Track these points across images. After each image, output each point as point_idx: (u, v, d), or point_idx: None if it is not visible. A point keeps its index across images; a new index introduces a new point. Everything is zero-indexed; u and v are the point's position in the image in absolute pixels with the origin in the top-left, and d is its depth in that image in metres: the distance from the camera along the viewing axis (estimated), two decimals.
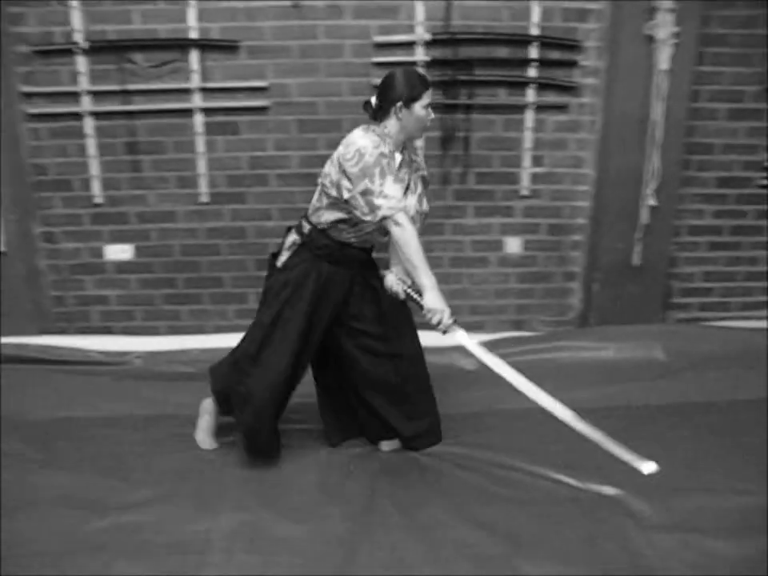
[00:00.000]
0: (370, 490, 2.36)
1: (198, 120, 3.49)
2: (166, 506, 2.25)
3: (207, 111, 3.50)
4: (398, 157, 2.30)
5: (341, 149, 2.22)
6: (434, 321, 2.13)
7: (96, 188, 3.60)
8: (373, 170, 2.12)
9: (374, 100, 2.32)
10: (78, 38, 3.38)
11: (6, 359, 3.40)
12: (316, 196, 2.38)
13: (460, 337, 2.22)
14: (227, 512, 2.21)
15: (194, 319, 3.79)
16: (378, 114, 2.30)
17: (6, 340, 3.52)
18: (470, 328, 3.58)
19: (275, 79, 3.45)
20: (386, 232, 2.27)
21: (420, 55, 3.39)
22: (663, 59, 3.26)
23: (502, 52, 3.46)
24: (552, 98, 3.53)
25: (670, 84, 3.31)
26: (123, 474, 2.47)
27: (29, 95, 3.47)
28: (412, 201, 2.31)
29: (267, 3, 3.37)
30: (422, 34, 3.38)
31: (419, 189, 2.41)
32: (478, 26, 3.42)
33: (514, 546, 2.04)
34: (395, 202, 2.11)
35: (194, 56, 3.41)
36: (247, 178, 3.58)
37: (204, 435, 2.68)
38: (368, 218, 2.17)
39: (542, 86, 3.49)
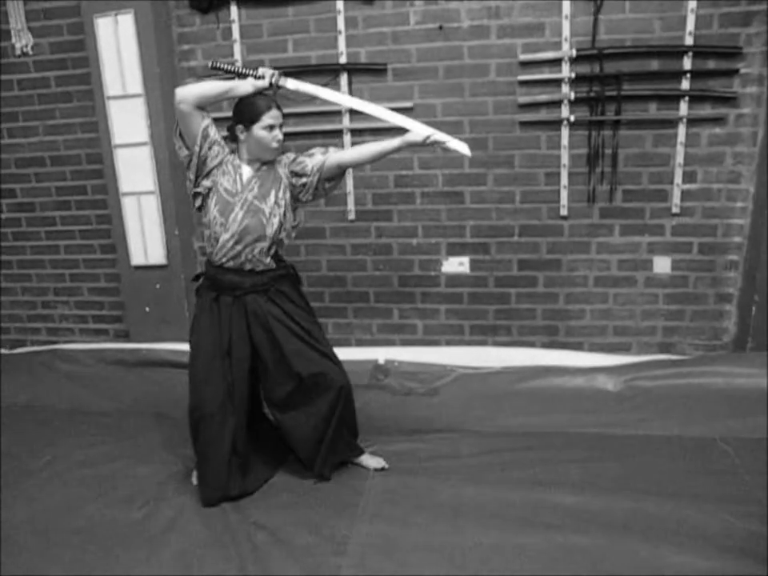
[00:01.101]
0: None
1: (347, 140, 3.88)
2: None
3: (355, 132, 3.88)
4: (246, 170, 2.60)
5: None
6: (265, 82, 2.56)
7: None
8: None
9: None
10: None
11: (170, 364, 3.93)
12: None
13: (290, 84, 2.65)
14: (365, 520, 2.50)
15: (339, 332, 4.20)
16: (232, 139, 2.61)
17: (169, 346, 4.06)
18: (615, 349, 3.80)
19: (421, 99, 3.79)
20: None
21: (566, 72, 3.57)
22: None
23: (653, 65, 3.57)
24: (707, 110, 3.58)
25: None
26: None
27: None
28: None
29: (413, 27, 3.72)
30: (567, 50, 3.56)
31: (285, 200, 2.64)
32: (626, 39, 3.56)
33: None
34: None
35: (343, 79, 3.80)
36: (393, 196, 3.95)
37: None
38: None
39: (697, 99, 3.57)
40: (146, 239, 4.10)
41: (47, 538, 2.50)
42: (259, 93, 2.58)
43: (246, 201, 2.57)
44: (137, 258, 4.15)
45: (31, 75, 4.17)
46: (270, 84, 2.58)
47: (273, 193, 2.60)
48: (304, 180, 2.64)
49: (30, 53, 4.11)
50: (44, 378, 4.15)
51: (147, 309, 4.24)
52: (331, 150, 2.68)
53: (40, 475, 2.98)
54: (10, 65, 4.17)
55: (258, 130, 2.52)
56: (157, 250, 4.11)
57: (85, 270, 4.50)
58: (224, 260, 2.61)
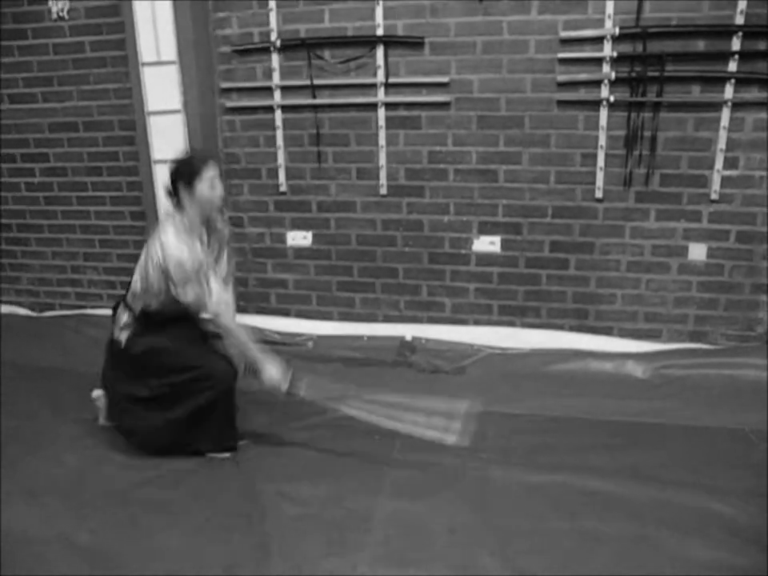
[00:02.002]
0: None
1: (381, 114, 3.87)
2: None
3: (390, 106, 3.87)
4: (198, 245, 2.65)
5: (159, 250, 2.56)
6: (272, 385, 2.74)
7: (282, 177, 4.09)
8: (197, 280, 2.56)
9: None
10: (273, 37, 3.84)
11: None
12: (139, 287, 2.71)
13: (302, 397, 2.80)
14: (389, 496, 2.54)
15: (366, 307, 4.23)
16: (175, 203, 2.64)
17: None
18: (645, 336, 3.79)
19: (457, 75, 3.75)
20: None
21: (607, 50, 3.50)
22: None
23: (699, 45, 3.49)
24: (754, 93, 3.49)
25: None
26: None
27: (227, 90, 4.03)
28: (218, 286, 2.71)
29: (452, 0, 3.63)
30: (610, 28, 3.50)
31: (225, 252, 2.87)
32: (672, 17, 3.48)
33: None
34: (219, 306, 2.62)
35: (379, 52, 3.77)
36: (426, 172, 3.93)
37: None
38: (199, 310, 2.64)
39: (743, 81, 3.49)
40: None
41: (75, 501, 2.56)
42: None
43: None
44: None
45: (66, 40, 4.18)
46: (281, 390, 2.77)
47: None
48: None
49: (66, 17, 4.11)
50: (71, 342, 4.23)
51: None
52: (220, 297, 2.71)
53: (66, 437, 3.06)
54: (46, 29, 4.18)
55: (200, 186, 2.57)
56: None
57: (114, 236, 4.55)
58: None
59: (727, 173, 3.60)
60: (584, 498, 2.50)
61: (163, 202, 3.88)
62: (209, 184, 2.59)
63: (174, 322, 2.74)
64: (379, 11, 3.73)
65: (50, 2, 4.08)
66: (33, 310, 4.84)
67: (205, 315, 2.67)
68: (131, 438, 2.88)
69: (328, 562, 2.20)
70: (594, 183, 3.73)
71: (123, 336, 2.77)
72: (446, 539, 2.31)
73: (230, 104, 4.06)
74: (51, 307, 4.82)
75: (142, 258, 2.71)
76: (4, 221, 4.74)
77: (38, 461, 2.86)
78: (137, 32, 3.81)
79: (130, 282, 2.81)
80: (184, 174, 2.57)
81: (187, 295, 2.57)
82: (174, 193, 2.62)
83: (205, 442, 2.83)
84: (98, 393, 3.08)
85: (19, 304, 4.88)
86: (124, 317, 2.77)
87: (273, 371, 2.73)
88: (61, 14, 4.10)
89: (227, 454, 2.86)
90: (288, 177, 4.12)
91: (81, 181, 4.48)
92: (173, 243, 2.54)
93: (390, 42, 3.77)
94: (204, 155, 2.66)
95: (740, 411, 3.13)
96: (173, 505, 2.53)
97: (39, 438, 3.05)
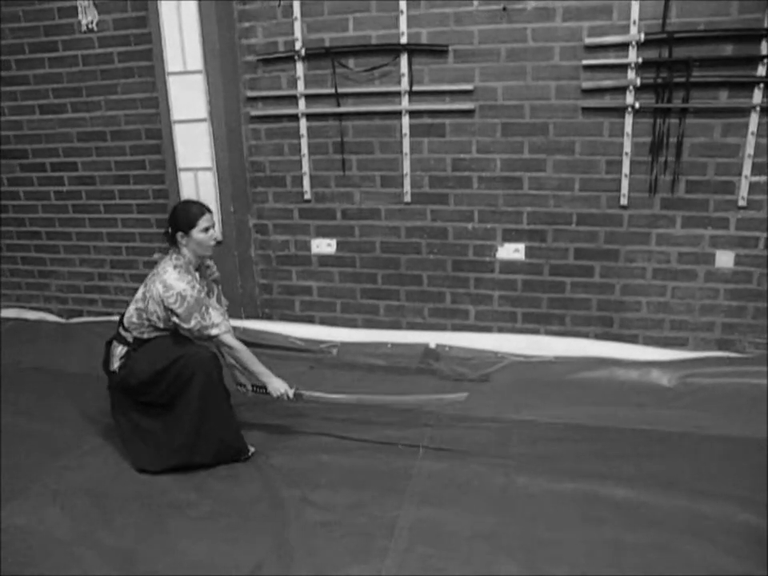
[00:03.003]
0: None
1: (405, 122, 3.90)
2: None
3: (414, 113, 3.89)
4: (196, 278, 2.86)
5: (160, 289, 2.73)
6: (280, 397, 2.94)
7: (306, 185, 4.13)
8: (199, 308, 2.72)
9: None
10: (298, 46, 3.89)
11: None
12: (135, 319, 2.84)
13: (307, 397, 3.03)
14: (413, 504, 2.55)
15: (390, 314, 4.25)
16: (171, 243, 2.85)
17: None
18: (671, 344, 3.76)
19: (482, 82, 3.77)
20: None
21: (633, 57, 3.50)
22: None
23: (726, 50, 3.47)
24: None
25: None
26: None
27: (253, 99, 4.09)
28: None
29: (476, 8, 3.69)
30: (635, 34, 3.49)
31: (215, 291, 3.11)
32: (699, 22, 3.46)
33: None
34: (224, 327, 2.79)
35: (403, 60, 3.80)
36: (450, 180, 3.95)
37: None
38: (203, 339, 2.82)
39: None
40: None
41: (103, 504, 2.62)
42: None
43: None
44: None
45: (95, 51, 4.27)
46: (288, 399, 2.97)
47: None
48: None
49: (95, 29, 4.21)
50: (99, 349, 4.26)
51: None
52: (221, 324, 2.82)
53: (94, 442, 3.12)
54: (76, 41, 4.28)
55: (196, 233, 2.80)
56: None
57: (141, 243, 4.63)
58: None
59: (755, 179, 3.56)
60: (609, 507, 2.49)
61: None
62: (204, 232, 2.81)
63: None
64: (403, 19, 3.76)
65: (80, 15, 4.18)
66: (61, 316, 4.92)
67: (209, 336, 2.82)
68: (137, 464, 2.91)
69: (352, 569, 2.21)
70: (619, 190, 3.72)
71: (119, 366, 2.87)
72: (470, 546, 2.31)
73: (254, 113, 4.12)
74: (79, 314, 4.92)
75: (139, 293, 2.86)
76: (34, 228, 4.84)
77: (65, 464, 2.92)
78: (163, 42, 3.89)
79: (121, 317, 2.93)
80: (182, 221, 2.80)
81: (191, 325, 2.74)
82: (172, 237, 2.83)
83: (209, 448, 2.85)
84: None
85: (48, 310, 4.98)
86: (118, 350, 2.88)
87: (277, 383, 2.94)
88: (90, 26, 4.19)
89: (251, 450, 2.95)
90: (312, 185, 4.16)
91: (108, 189, 4.57)
92: (174, 279, 2.73)
93: (414, 50, 3.80)
94: (201, 206, 2.87)
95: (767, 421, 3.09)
96: (197, 509, 2.57)
97: (68, 442, 3.11)
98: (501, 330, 4.09)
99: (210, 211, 2.87)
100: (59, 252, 4.85)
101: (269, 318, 4.42)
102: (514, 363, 3.75)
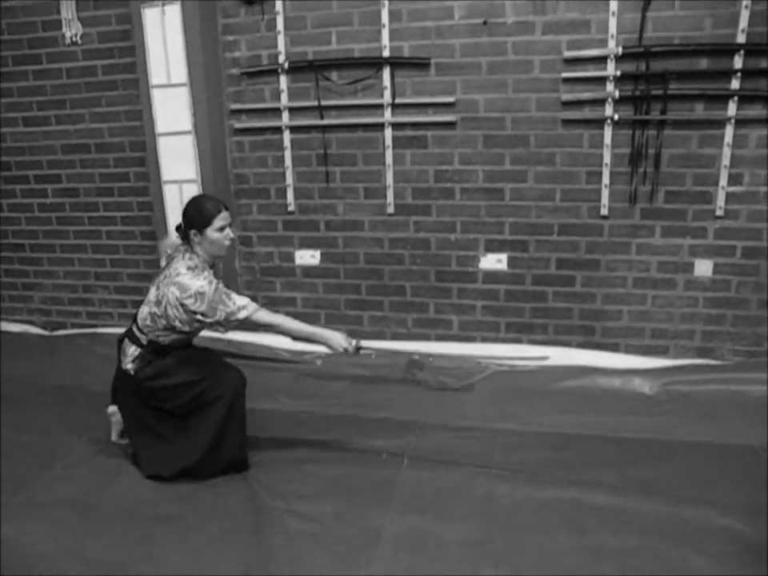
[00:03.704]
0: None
1: (388, 134, 3.93)
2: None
3: (396, 126, 3.92)
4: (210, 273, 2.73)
5: (177, 292, 2.61)
6: (350, 351, 2.76)
7: (290, 196, 4.14)
8: (220, 298, 2.59)
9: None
10: (281, 59, 3.91)
11: None
12: (149, 322, 2.75)
13: (366, 349, 2.88)
14: (397, 513, 2.56)
15: (374, 325, 4.26)
16: (184, 239, 2.73)
17: (204, 334, 4.13)
18: (652, 352, 3.79)
19: (463, 95, 3.81)
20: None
21: (611, 70, 3.55)
22: None
23: (701, 63, 3.53)
24: (757, 110, 3.52)
25: None
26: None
27: (237, 112, 4.10)
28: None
29: (457, 21, 3.73)
30: (613, 47, 3.54)
31: None
32: (674, 36, 3.52)
33: None
34: (252, 307, 2.63)
35: (386, 73, 3.83)
36: (432, 191, 3.98)
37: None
38: (234, 325, 2.65)
39: (747, 99, 3.52)
40: None
41: (88, 516, 2.60)
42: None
43: None
44: None
45: (79, 64, 4.27)
46: (348, 351, 2.79)
47: None
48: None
49: (79, 42, 4.21)
50: (83, 361, 4.28)
51: None
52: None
53: (78, 454, 3.10)
54: (60, 53, 4.28)
55: (211, 232, 2.67)
56: None
57: (125, 255, 4.61)
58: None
59: (732, 189, 3.62)
60: (592, 514, 2.51)
61: (172, 221, 3.97)
62: (219, 231, 2.69)
63: (178, 347, 2.84)
64: (385, 33, 3.79)
65: (64, 28, 4.18)
66: (45, 328, 4.90)
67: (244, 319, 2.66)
68: (143, 467, 2.90)
69: None
70: (599, 200, 3.76)
71: (132, 366, 2.81)
72: (455, 554, 2.33)
73: (238, 125, 4.13)
74: (63, 326, 4.89)
75: (152, 295, 2.75)
76: (17, 241, 4.81)
77: (50, 477, 2.90)
78: (148, 55, 3.89)
79: (135, 316, 2.87)
80: (196, 219, 2.67)
81: (218, 316, 2.60)
82: (185, 234, 2.72)
83: (217, 466, 2.84)
84: (113, 409, 3.11)
85: (32, 323, 4.95)
86: (131, 350, 2.81)
87: (336, 337, 2.76)
88: (74, 39, 4.19)
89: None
90: (296, 196, 4.17)
91: (92, 201, 4.56)
92: (188, 279, 2.61)
93: (397, 63, 3.83)
94: (217, 202, 2.73)
95: (747, 427, 3.13)
96: (184, 521, 2.56)
97: (52, 455, 3.09)
98: (484, 340, 4.11)
99: (227, 208, 2.73)
100: (43, 264, 4.82)
101: (254, 329, 4.40)
102: (497, 372, 3.77)
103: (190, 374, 2.77)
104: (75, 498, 2.72)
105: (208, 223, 2.66)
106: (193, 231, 2.67)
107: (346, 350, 2.75)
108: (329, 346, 2.77)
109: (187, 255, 2.70)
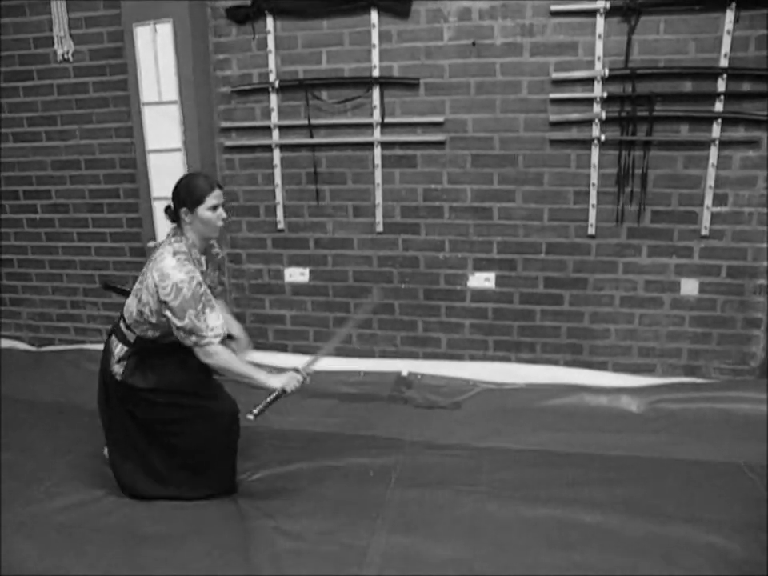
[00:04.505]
0: None
1: (377, 153, 3.95)
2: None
3: (386, 145, 3.95)
4: (197, 271, 2.50)
5: (156, 278, 2.41)
6: (296, 388, 2.62)
7: (280, 214, 4.15)
8: (195, 304, 2.39)
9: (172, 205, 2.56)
10: (272, 77, 3.94)
11: None
12: (135, 313, 2.57)
13: (312, 366, 2.77)
14: (384, 531, 2.54)
15: (363, 343, 4.26)
16: (174, 219, 2.56)
17: None
18: (639, 370, 3.81)
19: (452, 114, 3.84)
20: None
21: (598, 91, 3.59)
22: None
23: (686, 86, 3.59)
24: (741, 132, 3.58)
25: None
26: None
27: (227, 130, 4.11)
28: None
29: (446, 42, 3.77)
30: (600, 69, 3.59)
31: (216, 273, 2.84)
32: (660, 59, 3.58)
33: None
34: (219, 330, 2.45)
35: (375, 93, 3.86)
36: (421, 210, 4.00)
37: None
38: (188, 344, 2.45)
39: (730, 121, 3.58)
40: None
41: (71, 535, 2.56)
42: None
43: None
44: None
45: (71, 80, 4.28)
46: (298, 385, 2.65)
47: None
48: None
49: (71, 59, 4.22)
50: (71, 377, 4.25)
51: None
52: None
53: (64, 472, 3.06)
54: (51, 70, 4.29)
55: (203, 211, 2.48)
56: None
57: (114, 271, 4.60)
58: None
59: (717, 209, 3.66)
60: (579, 532, 2.50)
61: (162, 238, 3.97)
62: (212, 210, 2.50)
63: (172, 352, 2.59)
64: (375, 53, 3.83)
65: (56, 45, 4.19)
66: (32, 344, 4.86)
67: (189, 345, 2.47)
68: (122, 482, 2.83)
69: None
70: (586, 220, 3.79)
71: (118, 369, 2.64)
72: (442, 573, 2.31)
73: (229, 143, 4.14)
74: (51, 342, 4.85)
75: (137, 284, 2.58)
76: (6, 256, 4.79)
77: (36, 495, 2.86)
78: (139, 73, 3.91)
79: (122, 312, 2.71)
80: (187, 197, 2.49)
81: (184, 323, 2.39)
82: (174, 213, 2.55)
83: (204, 492, 2.79)
84: None
85: (19, 339, 4.91)
86: (117, 348, 2.65)
87: (279, 379, 2.61)
88: (66, 56, 4.20)
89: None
90: (286, 214, 4.18)
91: (82, 217, 4.55)
92: (171, 267, 2.41)
93: (386, 82, 3.86)
94: (210, 180, 2.55)
95: (734, 445, 3.14)
96: (170, 539, 2.53)
97: (37, 473, 3.05)
98: (472, 358, 4.12)
99: (220, 187, 2.54)
100: (31, 280, 4.79)
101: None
102: (485, 391, 3.77)
103: (182, 391, 2.66)
104: (59, 517, 2.69)
105: (200, 201, 2.46)
106: (184, 210, 2.48)
107: (300, 384, 2.63)
108: (284, 392, 2.61)
109: (174, 239, 2.52)
